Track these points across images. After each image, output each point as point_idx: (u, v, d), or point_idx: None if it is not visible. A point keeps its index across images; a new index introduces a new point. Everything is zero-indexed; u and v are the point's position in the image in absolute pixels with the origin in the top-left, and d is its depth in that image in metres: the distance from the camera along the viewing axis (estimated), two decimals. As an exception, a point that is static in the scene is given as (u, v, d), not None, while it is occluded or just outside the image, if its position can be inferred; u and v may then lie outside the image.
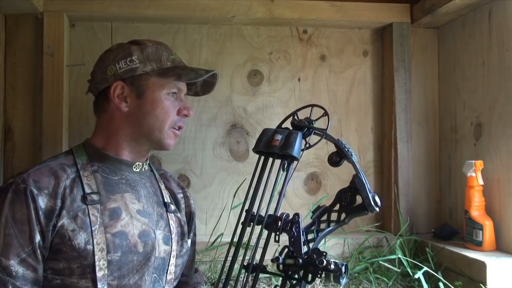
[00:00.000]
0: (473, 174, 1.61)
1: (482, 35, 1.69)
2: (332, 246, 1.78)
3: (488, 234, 1.57)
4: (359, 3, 1.84)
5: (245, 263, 0.98)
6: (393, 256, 1.68)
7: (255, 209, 1.01)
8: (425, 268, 1.57)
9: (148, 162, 1.36)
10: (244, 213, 1.02)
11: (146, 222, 1.24)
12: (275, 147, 1.03)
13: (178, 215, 1.37)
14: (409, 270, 1.64)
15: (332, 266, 0.88)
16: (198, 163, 1.85)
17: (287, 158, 1.03)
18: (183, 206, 1.42)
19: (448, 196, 1.89)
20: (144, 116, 1.26)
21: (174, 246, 1.31)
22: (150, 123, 1.26)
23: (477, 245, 1.58)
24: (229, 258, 0.99)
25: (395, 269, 1.66)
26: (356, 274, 1.70)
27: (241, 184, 1.81)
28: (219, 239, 1.72)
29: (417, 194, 1.92)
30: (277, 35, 1.90)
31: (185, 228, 1.39)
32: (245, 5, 1.77)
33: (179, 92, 1.31)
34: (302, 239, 0.95)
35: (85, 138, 1.32)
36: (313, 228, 0.98)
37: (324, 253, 0.92)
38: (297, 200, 1.90)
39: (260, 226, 1.01)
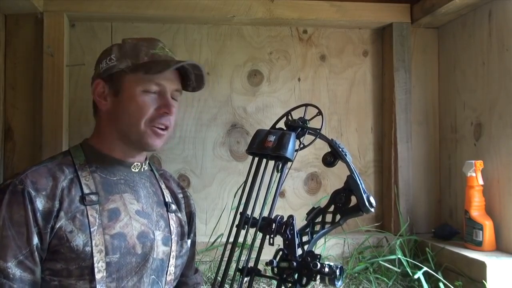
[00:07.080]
0: (473, 174, 1.61)
1: (482, 35, 1.68)
2: (332, 246, 1.77)
3: (488, 234, 1.57)
4: (359, 3, 1.84)
5: (240, 266, 0.97)
6: (393, 256, 1.68)
7: (249, 212, 1.00)
8: (425, 268, 1.57)
9: (147, 162, 1.35)
10: (238, 216, 1.02)
11: (145, 223, 1.23)
12: (268, 149, 1.02)
13: (179, 215, 1.36)
14: (409, 270, 1.64)
15: (327, 269, 0.87)
16: (198, 163, 1.85)
17: (281, 159, 1.02)
18: (183, 206, 1.41)
19: (448, 196, 1.88)
20: (121, 114, 1.23)
21: (174, 247, 1.30)
22: (125, 120, 1.22)
23: (477, 245, 1.58)
24: (225, 259, 0.99)
25: (395, 269, 1.66)
26: (356, 274, 1.70)
27: (241, 184, 1.80)
28: (219, 239, 1.72)
29: (417, 194, 1.91)
30: (277, 35, 1.90)
31: (186, 228, 1.38)
32: (245, 5, 1.77)
33: (161, 88, 1.24)
34: (297, 241, 0.94)
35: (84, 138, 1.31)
36: (307, 230, 0.97)
37: (318, 256, 0.91)
38: (297, 200, 1.90)
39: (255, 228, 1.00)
